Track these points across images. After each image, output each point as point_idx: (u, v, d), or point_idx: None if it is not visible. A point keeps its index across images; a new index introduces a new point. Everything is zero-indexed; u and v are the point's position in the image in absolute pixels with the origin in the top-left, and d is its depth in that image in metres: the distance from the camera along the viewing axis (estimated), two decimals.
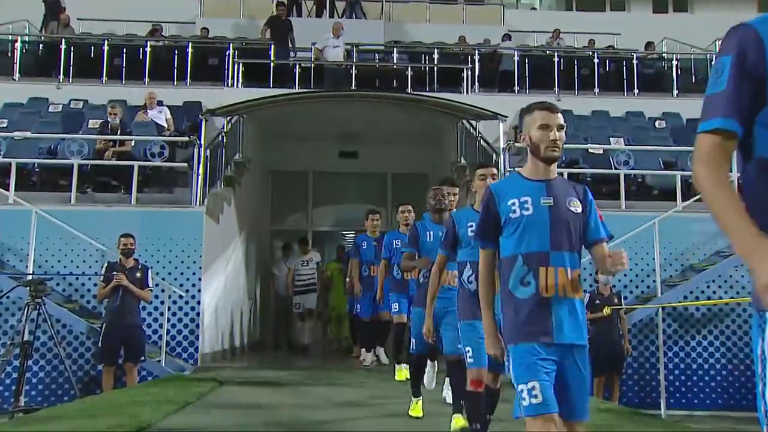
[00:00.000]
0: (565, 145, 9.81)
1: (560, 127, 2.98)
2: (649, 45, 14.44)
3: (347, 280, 9.73)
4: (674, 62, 13.74)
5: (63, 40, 13.16)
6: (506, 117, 10.72)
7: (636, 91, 13.43)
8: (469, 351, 4.06)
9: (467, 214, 4.29)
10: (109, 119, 10.28)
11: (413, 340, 5.41)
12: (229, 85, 12.60)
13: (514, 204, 2.95)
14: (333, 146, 14.03)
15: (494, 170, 4.28)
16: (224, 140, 10.87)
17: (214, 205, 10.17)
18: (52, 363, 8.65)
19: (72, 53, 13.09)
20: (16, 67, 12.98)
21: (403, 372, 7.06)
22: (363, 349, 9.33)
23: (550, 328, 2.81)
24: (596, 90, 13.41)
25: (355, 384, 7.74)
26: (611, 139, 11.44)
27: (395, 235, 7.15)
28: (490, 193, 3.03)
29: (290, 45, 13.49)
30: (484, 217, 3.04)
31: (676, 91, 13.38)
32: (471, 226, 4.07)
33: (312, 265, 12.38)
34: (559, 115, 3.01)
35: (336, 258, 12.87)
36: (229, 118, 11.10)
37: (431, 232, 5.29)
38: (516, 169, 3.11)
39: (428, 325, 4.61)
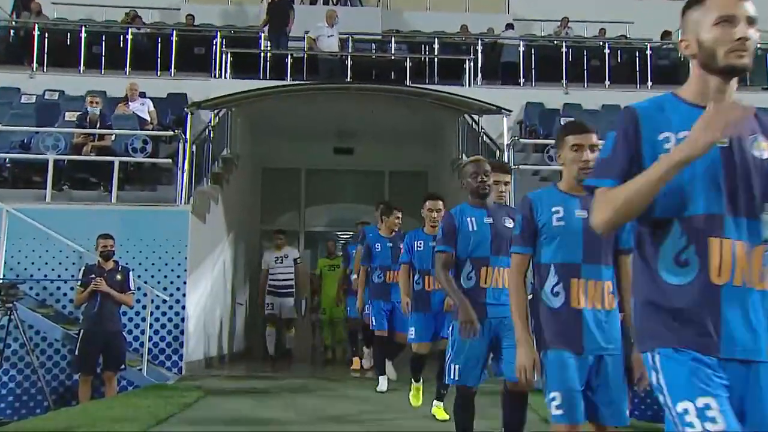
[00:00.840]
0: None
1: (750, 21, 2.04)
2: (665, 34, 14.37)
3: (352, 280, 9.06)
4: None
5: (36, 26, 13.04)
6: (510, 111, 10.69)
7: (650, 83, 13.35)
8: (556, 398, 3.01)
9: (551, 196, 3.26)
10: (88, 108, 10.20)
11: (454, 368, 4.22)
12: (217, 76, 12.55)
13: (669, 140, 2.06)
14: (327, 142, 13.97)
15: (594, 138, 3.16)
16: (211, 135, 10.83)
17: (201, 204, 10.11)
18: (23, 372, 8.55)
19: (46, 40, 12.99)
20: None
21: (424, 403, 6.32)
22: (380, 377, 7.83)
23: (718, 332, 1.98)
24: (607, 83, 13.36)
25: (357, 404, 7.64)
26: None
27: (419, 235, 6.26)
28: (632, 114, 2.11)
29: (290, 21, 13.30)
30: (622, 148, 2.08)
31: None
32: (557, 212, 3.17)
33: (288, 263, 11.32)
34: (748, 4, 2.07)
35: (327, 254, 12.20)
36: (216, 111, 11.07)
37: (473, 219, 4.34)
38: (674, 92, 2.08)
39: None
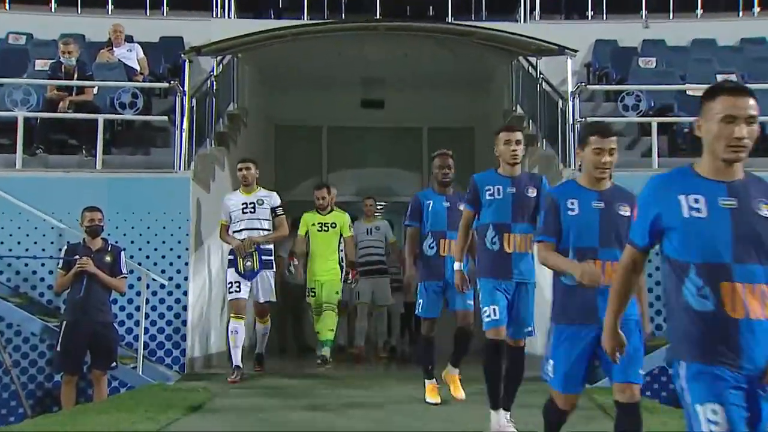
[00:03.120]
0: (657, 87, 9.42)
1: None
2: None
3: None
4: None
5: None
6: (576, 52, 10.46)
7: (756, 9, 12.99)
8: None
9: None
10: (62, 59, 10.15)
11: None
12: (219, 15, 12.52)
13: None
14: (353, 94, 13.96)
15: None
16: (214, 87, 10.79)
17: (204, 170, 10.11)
18: None
19: None
20: None
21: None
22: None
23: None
24: (699, 11, 13.04)
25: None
26: (718, 76, 11.05)
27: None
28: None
29: None
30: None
31: None
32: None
33: (263, 214, 8.85)
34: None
35: (316, 208, 9.89)
36: (219, 58, 11.00)
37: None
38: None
39: None
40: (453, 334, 6.98)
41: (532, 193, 5.62)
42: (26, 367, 8.69)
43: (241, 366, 8.56)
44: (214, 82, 10.80)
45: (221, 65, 11.11)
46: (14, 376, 8.18)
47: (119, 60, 11.12)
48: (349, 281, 9.90)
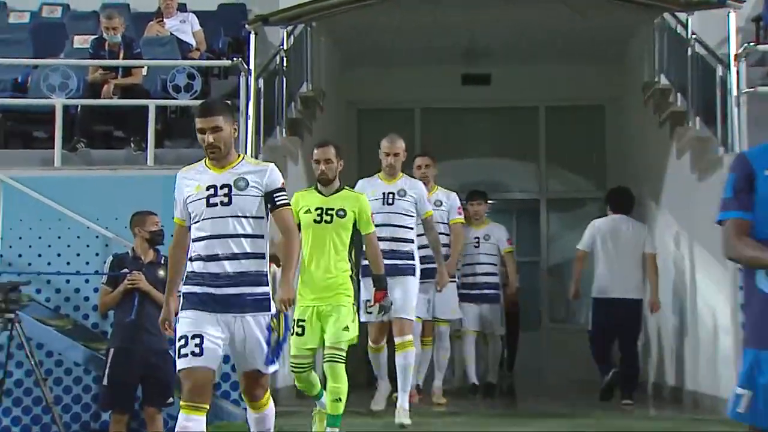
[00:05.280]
0: None
1: None
2: None
3: None
4: None
5: None
6: (741, 2, 10.05)
7: None
8: None
9: None
10: (105, 36, 10.25)
11: None
12: None
13: None
14: (452, 68, 14.00)
15: None
16: (285, 64, 10.85)
17: (274, 164, 9.97)
18: (31, 412, 8.63)
19: None
20: None
21: None
22: None
23: None
24: None
25: None
26: None
27: None
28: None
29: None
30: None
31: None
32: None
33: (250, 205, 5.09)
34: None
35: (317, 184, 7.39)
36: (290, 28, 11.04)
37: None
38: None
39: None
40: None
41: None
42: (69, 404, 8.74)
43: None
44: (285, 59, 10.85)
45: (292, 38, 11.14)
46: (56, 415, 8.16)
47: (171, 34, 11.27)
48: (369, 307, 7.57)
